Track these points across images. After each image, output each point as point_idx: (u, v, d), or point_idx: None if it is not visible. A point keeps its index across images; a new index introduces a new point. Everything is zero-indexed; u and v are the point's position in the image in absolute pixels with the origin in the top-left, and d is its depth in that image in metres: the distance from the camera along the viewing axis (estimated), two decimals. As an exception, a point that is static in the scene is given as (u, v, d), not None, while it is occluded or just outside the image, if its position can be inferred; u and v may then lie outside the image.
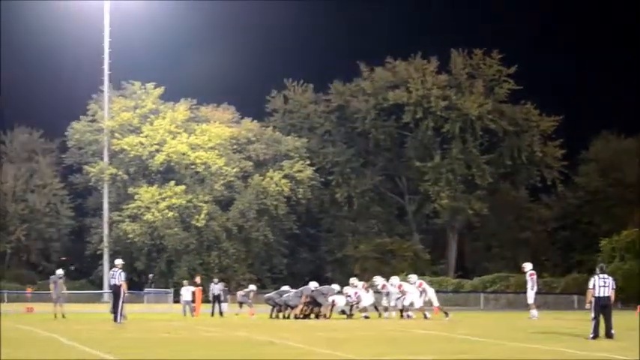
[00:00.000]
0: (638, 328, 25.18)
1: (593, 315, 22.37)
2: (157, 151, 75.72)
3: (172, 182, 75.05)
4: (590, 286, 22.67)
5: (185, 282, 47.60)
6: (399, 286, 35.37)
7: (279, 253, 79.53)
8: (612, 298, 22.73)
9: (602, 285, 22.49)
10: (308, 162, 79.19)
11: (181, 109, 78.95)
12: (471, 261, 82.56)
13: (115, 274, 31.53)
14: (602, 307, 22.39)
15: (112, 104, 78.46)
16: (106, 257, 74.35)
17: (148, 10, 77.53)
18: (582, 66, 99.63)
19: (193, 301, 42.85)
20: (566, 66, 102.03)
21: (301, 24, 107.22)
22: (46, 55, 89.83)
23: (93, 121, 79.06)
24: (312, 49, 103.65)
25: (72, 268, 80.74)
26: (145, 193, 74.37)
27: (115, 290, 31.33)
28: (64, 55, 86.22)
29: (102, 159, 77.29)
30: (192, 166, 75.88)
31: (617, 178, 77.34)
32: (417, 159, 78.89)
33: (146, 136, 76.47)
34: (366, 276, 60.65)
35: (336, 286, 37.27)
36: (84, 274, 79.58)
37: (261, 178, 77.07)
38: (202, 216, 73.90)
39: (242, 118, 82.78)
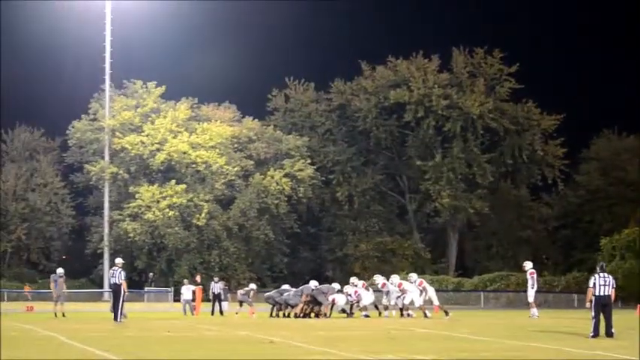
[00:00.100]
0: (639, 327, 25.16)
1: (593, 314, 22.34)
2: (158, 150, 75.67)
3: (173, 181, 75.02)
4: (591, 284, 22.65)
5: (185, 281, 47.66)
6: (400, 285, 35.32)
7: (279, 252, 79.50)
8: (613, 297, 22.71)
9: (602, 284, 22.46)
10: (309, 161, 79.15)
11: (182, 108, 78.91)
12: (472, 260, 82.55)
13: (115, 273, 31.51)
14: (603, 305, 22.37)
15: (113, 103, 78.44)
16: (106, 256, 74.33)
17: (149, 9, 77.51)
18: (583, 65, 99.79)
19: (194, 300, 42.88)
20: (568, 65, 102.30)
21: (302, 23, 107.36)
22: (47, 55, 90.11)
23: (94, 120, 79.05)
24: (314, 48, 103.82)
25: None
26: (146, 192, 74.34)
27: (116, 289, 31.33)
28: (64, 55, 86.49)
29: (103, 158, 77.26)
30: (193, 165, 75.83)
31: (617, 176, 77.32)
32: (418, 158, 78.85)
33: (147, 135, 76.44)
34: (366, 275, 60.83)
35: (336, 285, 37.25)
36: (84, 273, 79.54)
37: (262, 177, 77.04)
38: (203, 215, 73.87)
39: (243, 117, 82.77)
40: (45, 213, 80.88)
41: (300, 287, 37.12)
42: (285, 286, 39.07)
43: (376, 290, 38.64)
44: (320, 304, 35.27)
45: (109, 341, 21.03)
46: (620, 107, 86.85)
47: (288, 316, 35.85)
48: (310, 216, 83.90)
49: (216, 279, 45.32)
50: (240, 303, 39.79)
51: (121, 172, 76.05)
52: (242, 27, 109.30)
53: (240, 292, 41.45)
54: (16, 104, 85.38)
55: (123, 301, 31.09)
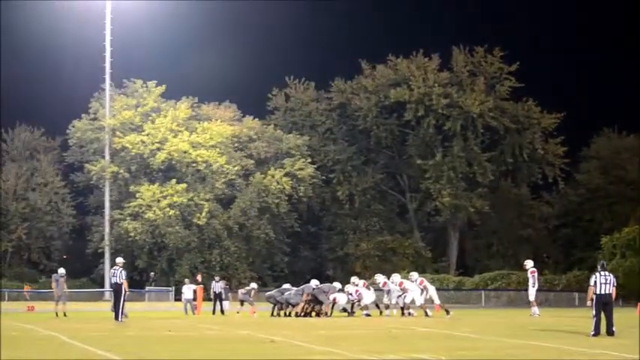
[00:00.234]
0: (639, 326, 25.16)
1: (594, 312, 22.34)
2: (159, 149, 75.69)
3: (174, 180, 75.03)
4: (591, 283, 22.65)
5: (186, 280, 47.63)
6: (400, 284, 35.30)
7: (280, 251, 79.52)
8: (613, 296, 22.71)
9: (603, 282, 22.46)
10: (309, 160, 79.17)
11: (183, 108, 78.92)
12: (472, 258, 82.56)
13: (116, 273, 31.51)
14: (603, 304, 22.37)
15: (113, 102, 78.47)
16: (107, 256, 74.36)
17: (149, 8, 77.55)
18: (583, 64, 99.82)
19: (195, 299, 42.88)
20: (567, 64, 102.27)
21: (302, 23, 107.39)
22: (47, 54, 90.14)
23: (94, 119, 79.09)
24: (313, 48, 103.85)
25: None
26: (147, 191, 74.35)
27: (116, 289, 31.33)
28: (65, 54, 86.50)
29: (103, 157, 77.29)
30: (194, 165, 75.84)
31: (618, 175, 77.31)
32: (419, 157, 78.86)
33: (147, 135, 76.46)
34: (367, 274, 60.86)
35: (337, 284, 37.28)
36: (85, 273, 79.56)
37: (263, 176, 77.05)
38: (203, 214, 73.89)
39: (243, 116, 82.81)
40: (45, 212, 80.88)
41: (301, 286, 37.13)
42: (286, 286, 39.10)
43: (377, 289, 38.64)
44: (321, 303, 35.28)
45: (110, 341, 21.04)
46: (620, 106, 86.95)
47: (289, 315, 35.87)
48: (311, 215, 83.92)
49: (217, 278, 45.34)
50: (241, 302, 39.81)
51: (121, 171, 76.09)
52: (241, 27, 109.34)
53: (241, 291, 41.48)
54: (17, 104, 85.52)
55: (124, 300, 31.08)
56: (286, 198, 77.10)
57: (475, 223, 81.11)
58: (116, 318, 30.67)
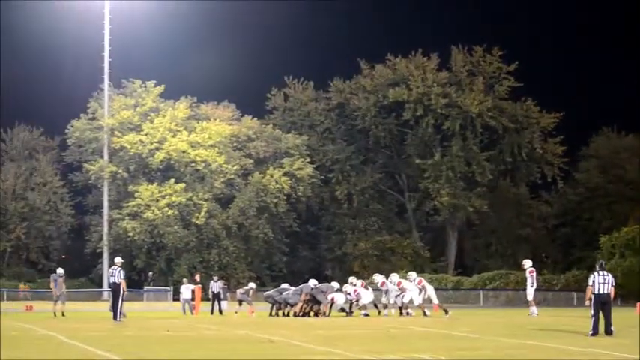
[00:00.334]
0: (639, 325, 25.17)
1: (592, 312, 22.36)
2: (157, 149, 75.68)
3: (172, 180, 75.03)
4: (590, 282, 22.66)
5: (185, 280, 47.60)
6: (399, 284, 35.34)
7: (278, 251, 79.51)
8: (612, 295, 22.73)
9: (601, 282, 22.47)
10: (308, 160, 79.16)
11: (181, 107, 78.92)
12: (471, 258, 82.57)
13: (114, 272, 31.51)
14: (602, 303, 22.38)
15: (112, 102, 78.49)
16: (105, 255, 74.37)
17: (147, 9, 77.55)
18: (582, 63, 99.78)
19: (193, 299, 42.89)
20: (566, 63, 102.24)
21: (300, 23, 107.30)
22: (46, 54, 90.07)
23: (93, 119, 79.10)
24: (312, 48, 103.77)
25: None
26: (145, 191, 74.34)
27: (115, 288, 31.33)
28: (64, 54, 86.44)
29: (102, 157, 77.30)
30: (192, 164, 75.82)
31: (617, 174, 77.31)
32: (417, 156, 78.86)
33: (146, 134, 76.45)
34: (365, 273, 60.88)
35: (335, 284, 37.33)
36: (84, 272, 79.58)
37: (261, 175, 77.04)
38: (202, 214, 73.88)
39: (242, 116, 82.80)
40: (44, 212, 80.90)
41: (300, 286, 37.14)
42: (285, 285, 39.13)
43: (375, 289, 38.67)
44: (319, 302, 35.31)
45: (109, 340, 21.04)
46: (619, 106, 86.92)
47: (288, 314, 35.88)
48: (309, 215, 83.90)
49: (215, 278, 45.31)
50: (240, 302, 39.80)
51: (120, 171, 76.08)
52: (240, 27, 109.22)
53: (239, 291, 41.47)
54: (16, 104, 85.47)
55: (122, 300, 31.09)
56: (285, 198, 77.10)
57: (474, 222, 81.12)
58: (114, 318, 30.67)
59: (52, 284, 39.98)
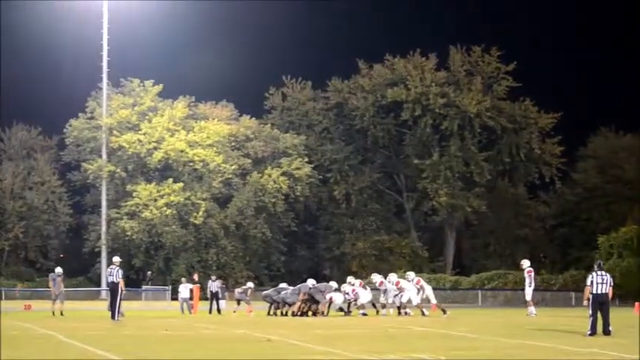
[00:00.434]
0: (639, 325, 25.19)
1: (590, 312, 22.39)
2: (155, 148, 75.65)
3: (170, 180, 75.02)
4: (588, 283, 22.70)
5: (183, 279, 47.59)
6: (397, 283, 35.37)
7: (277, 251, 79.48)
8: (610, 295, 22.75)
9: (599, 282, 22.50)
10: (306, 159, 79.14)
11: (180, 107, 78.90)
12: (469, 258, 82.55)
13: (112, 272, 31.54)
14: (600, 304, 22.41)
15: (110, 101, 78.45)
16: (103, 255, 74.34)
17: (146, 8, 77.53)
18: (580, 63, 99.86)
19: (191, 298, 42.88)
20: (565, 63, 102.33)
21: (299, 23, 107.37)
22: (45, 54, 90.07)
23: (91, 118, 79.06)
24: (310, 48, 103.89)
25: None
26: (143, 190, 74.31)
27: (113, 288, 31.36)
28: (62, 54, 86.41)
29: (100, 156, 77.26)
30: (191, 164, 75.82)
31: (615, 175, 77.28)
32: (416, 156, 78.84)
33: (144, 134, 76.42)
34: (364, 273, 60.88)
35: (333, 284, 37.35)
36: (82, 272, 79.54)
37: (260, 175, 77.01)
38: (200, 213, 73.86)
39: (240, 116, 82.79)
40: (42, 211, 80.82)
41: (298, 286, 37.12)
42: (283, 285, 39.16)
43: (373, 289, 38.67)
44: (317, 302, 35.32)
45: (108, 340, 21.04)
46: (618, 106, 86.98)
47: (286, 314, 35.89)
48: (307, 214, 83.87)
49: (213, 277, 45.28)
50: (238, 301, 39.82)
51: (118, 170, 76.05)
52: (238, 27, 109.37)
53: (237, 290, 41.50)
54: (14, 103, 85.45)
55: (120, 299, 31.10)
56: (283, 197, 77.08)
57: (472, 222, 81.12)
58: (113, 317, 30.68)
59: (50, 283, 39.96)
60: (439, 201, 76.26)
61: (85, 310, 44.22)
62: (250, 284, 42.67)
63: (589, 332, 22.12)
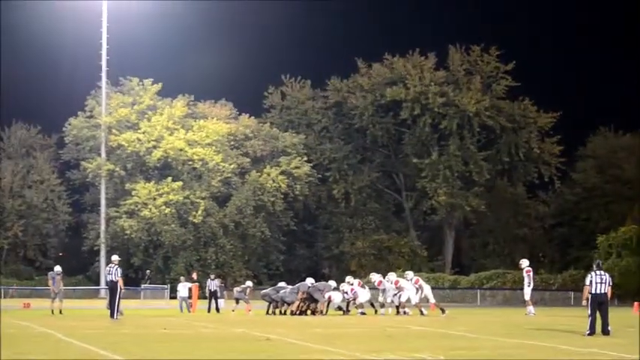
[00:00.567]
0: (639, 325, 25.18)
1: (589, 311, 22.36)
2: (155, 147, 75.67)
3: (169, 178, 75.04)
4: (587, 282, 22.67)
5: (182, 278, 47.54)
6: (396, 283, 35.32)
7: (275, 250, 79.51)
8: (609, 295, 22.72)
9: (598, 281, 22.48)
10: (305, 158, 79.21)
11: (179, 106, 78.92)
12: (468, 257, 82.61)
13: (111, 270, 31.50)
14: (599, 303, 22.38)
15: (109, 100, 78.46)
16: (102, 253, 74.36)
17: (145, 8, 77.50)
18: (579, 63, 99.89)
19: (190, 297, 42.85)
20: (564, 63, 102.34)
21: (297, 23, 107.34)
22: (45, 53, 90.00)
23: (90, 117, 79.07)
24: (310, 47, 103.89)
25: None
26: (142, 189, 74.32)
27: (112, 286, 31.32)
28: (62, 52, 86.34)
29: (99, 155, 77.28)
30: (190, 163, 75.85)
31: (614, 174, 77.33)
32: (415, 155, 78.89)
33: (143, 132, 76.43)
34: (362, 272, 60.90)
35: (332, 283, 37.32)
36: (81, 270, 79.52)
37: (259, 174, 77.05)
38: (199, 212, 73.88)
39: (239, 115, 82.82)
40: (41, 210, 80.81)
41: (297, 285, 37.08)
42: (282, 284, 39.12)
43: (372, 288, 38.66)
44: (316, 301, 35.30)
45: (107, 338, 21.01)
46: (617, 106, 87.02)
47: (285, 313, 35.85)
48: (306, 213, 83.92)
49: (212, 276, 45.22)
50: (237, 300, 39.80)
51: (117, 169, 76.06)
52: (237, 26, 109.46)
53: (236, 289, 41.47)
54: (13, 102, 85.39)
55: (119, 298, 31.06)
56: (282, 196, 77.12)
57: (471, 222, 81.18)
58: (111, 315, 30.64)
59: (49, 282, 39.91)
60: (438, 200, 76.31)
61: (84, 309, 44.16)
62: (249, 283, 42.64)
63: (588, 332, 22.11)
